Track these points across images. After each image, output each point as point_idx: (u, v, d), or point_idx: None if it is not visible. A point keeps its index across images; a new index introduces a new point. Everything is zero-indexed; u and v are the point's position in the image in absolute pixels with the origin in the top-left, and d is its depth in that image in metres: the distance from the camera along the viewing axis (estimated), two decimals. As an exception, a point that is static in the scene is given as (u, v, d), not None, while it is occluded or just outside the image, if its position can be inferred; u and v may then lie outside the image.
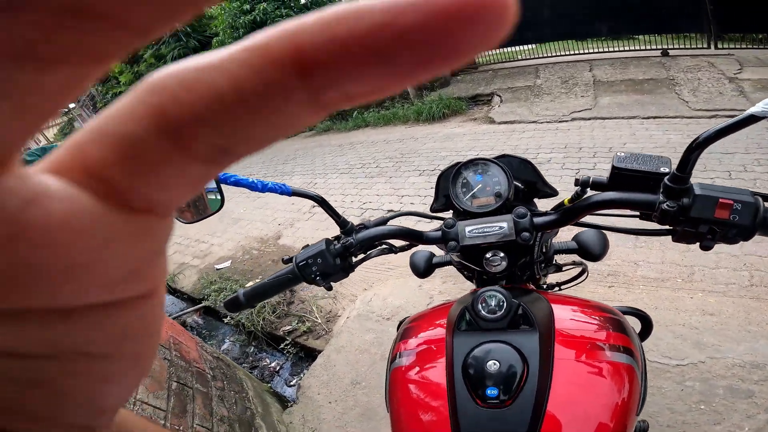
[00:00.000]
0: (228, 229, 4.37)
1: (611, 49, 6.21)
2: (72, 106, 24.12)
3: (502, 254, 0.59)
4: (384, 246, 0.69)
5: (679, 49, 5.76)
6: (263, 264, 3.39)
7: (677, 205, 0.46)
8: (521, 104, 5.26)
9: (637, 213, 0.53)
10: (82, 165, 0.09)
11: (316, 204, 0.75)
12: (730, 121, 0.43)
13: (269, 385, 2.25)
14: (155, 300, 0.12)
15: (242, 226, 4.45)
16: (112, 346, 0.11)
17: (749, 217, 0.43)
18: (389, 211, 3.70)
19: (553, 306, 0.59)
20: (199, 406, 1.37)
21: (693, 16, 5.51)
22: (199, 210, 0.66)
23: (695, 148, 0.45)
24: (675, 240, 0.50)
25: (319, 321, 2.47)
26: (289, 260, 0.68)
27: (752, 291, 1.87)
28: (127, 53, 0.08)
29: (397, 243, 0.70)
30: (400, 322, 0.85)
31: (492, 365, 0.48)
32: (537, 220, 0.57)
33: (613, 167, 0.52)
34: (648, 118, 4.19)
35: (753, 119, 0.42)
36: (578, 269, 0.86)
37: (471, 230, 0.58)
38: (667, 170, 0.49)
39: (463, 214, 0.66)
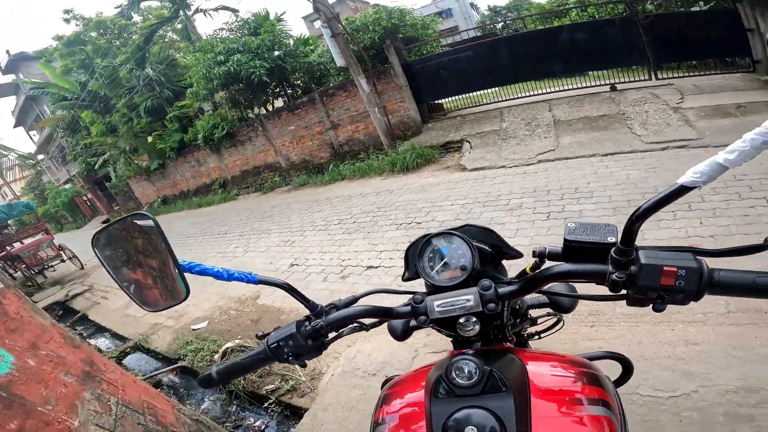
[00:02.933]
0: (204, 289, 4.38)
1: (566, 87, 6.93)
2: (41, 157, 23.62)
3: (474, 319, 0.62)
4: (355, 324, 0.72)
5: (625, 82, 6.49)
6: (242, 324, 3.45)
7: (625, 274, 0.51)
8: (490, 149, 5.69)
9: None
10: None
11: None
12: (663, 193, 0.48)
13: None
14: None
15: (219, 285, 4.43)
16: None
17: (694, 282, 0.47)
18: (368, 267, 3.86)
19: (529, 364, 0.63)
20: None
21: (633, 49, 6.30)
22: (164, 298, 0.68)
23: (635, 221, 0.50)
24: (629, 304, 0.54)
25: (303, 379, 2.52)
26: (263, 336, 0.72)
27: (730, 318, 2.01)
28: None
29: (368, 320, 0.74)
30: (384, 382, 0.89)
31: (470, 430, 0.51)
32: (501, 290, 0.62)
33: (565, 240, 0.57)
34: (606, 155, 4.63)
35: (684, 189, 0.47)
36: (554, 320, 0.94)
37: (439, 304, 0.63)
38: (613, 239, 0.54)
39: (432, 287, 0.72)
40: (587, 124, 5.52)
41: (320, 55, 9.17)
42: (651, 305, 0.51)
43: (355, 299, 0.75)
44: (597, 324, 2.17)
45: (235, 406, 2.66)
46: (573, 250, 0.57)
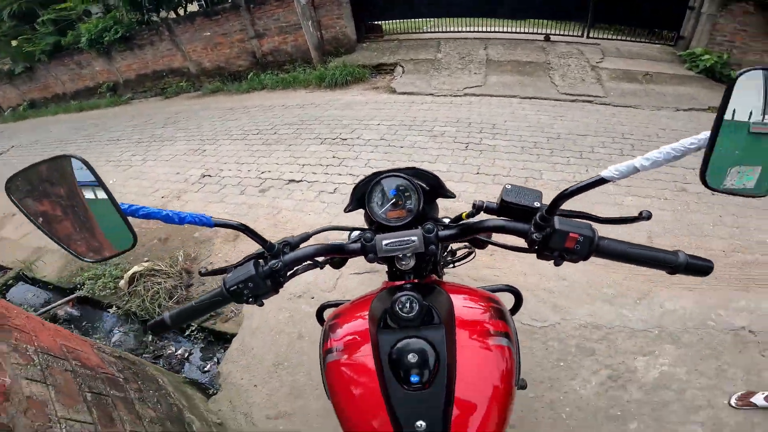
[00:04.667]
0: None
1: (505, 30, 7.15)
2: None
3: (410, 254, 0.72)
4: (309, 262, 0.77)
5: (560, 35, 6.93)
6: (147, 244, 3.21)
7: (542, 235, 0.64)
8: (422, 76, 5.76)
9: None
10: None
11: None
12: (586, 181, 0.59)
13: (183, 375, 2.21)
14: None
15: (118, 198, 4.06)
16: None
17: (587, 247, 0.63)
18: (290, 180, 3.83)
19: (452, 297, 0.75)
20: (123, 412, 1.33)
21: (577, 5, 6.63)
22: (107, 247, 0.65)
23: (560, 199, 0.62)
24: (538, 258, 0.69)
25: None
26: (208, 273, 0.75)
27: (591, 259, 2.54)
28: None
29: (321, 257, 0.79)
30: (319, 309, 0.98)
31: (411, 357, 0.62)
32: (441, 234, 0.72)
33: (502, 200, 0.69)
34: (525, 98, 5.06)
35: (603, 181, 0.58)
36: (466, 252, 1.11)
37: (387, 243, 0.71)
38: (538, 204, 0.67)
39: (378, 225, 0.80)
40: (515, 67, 5.88)
41: None
42: (553, 261, 0.67)
43: (308, 236, 0.79)
44: (495, 253, 2.51)
45: (150, 336, 2.51)
46: (506, 207, 0.69)
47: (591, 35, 6.90)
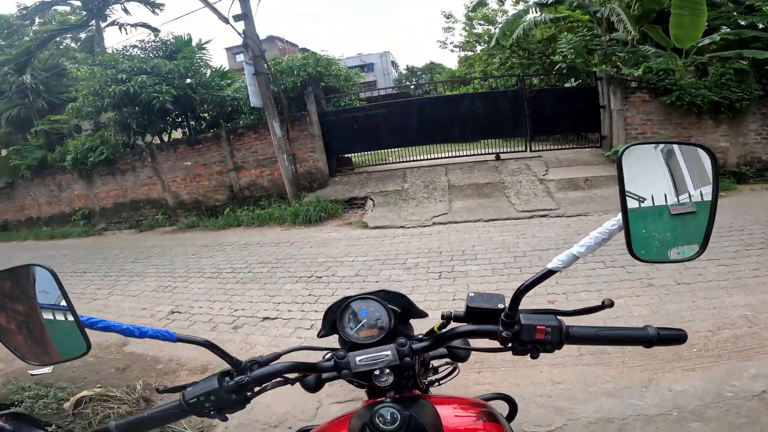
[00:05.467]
0: None
1: (461, 154, 8.14)
2: None
3: (388, 371, 0.72)
4: (279, 379, 0.76)
5: (507, 152, 7.93)
6: (103, 372, 3.00)
7: (511, 332, 0.68)
8: (391, 209, 6.24)
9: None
10: None
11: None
12: (537, 275, 0.67)
13: None
14: None
15: None
16: None
17: (557, 336, 0.67)
18: (265, 318, 3.77)
19: (438, 407, 0.72)
20: None
21: (517, 121, 7.74)
22: (57, 352, 0.65)
23: (519, 294, 0.68)
24: (514, 354, 0.71)
25: None
26: (167, 390, 0.72)
27: (582, 359, 2.50)
28: None
29: (292, 375, 0.78)
30: None
31: None
32: (415, 346, 0.74)
33: (467, 306, 0.74)
34: (489, 220, 5.52)
35: (550, 273, 0.66)
36: (450, 369, 1.13)
37: (361, 359, 0.72)
38: (502, 306, 0.72)
39: (351, 345, 0.81)
40: (475, 190, 6.53)
41: (236, 90, 9.02)
42: (529, 354, 0.70)
43: (277, 356, 0.79)
44: (483, 370, 2.51)
45: None
46: (473, 313, 0.74)
47: (533, 148, 7.94)
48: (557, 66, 8.78)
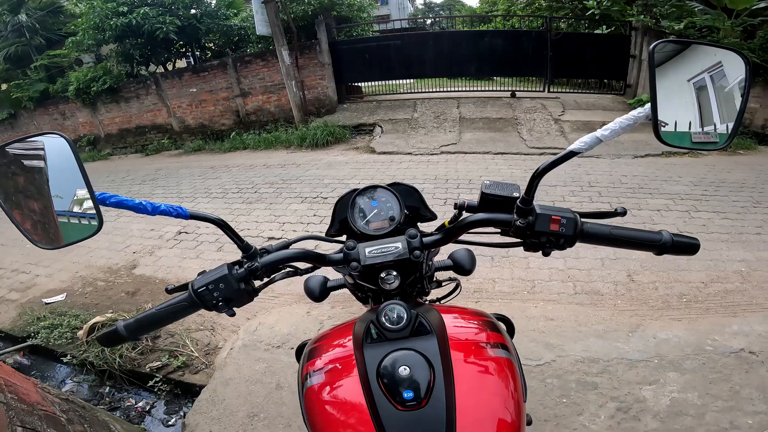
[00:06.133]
0: (60, 257, 3.85)
1: (475, 89, 7.82)
2: None
3: (395, 273, 0.70)
4: (288, 269, 0.74)
5: (524, 91, 7.61)
6: (114, 297, 3.13)
7: (526, 221, 0.65)
8: (400, 136, 6.14)
9: (500, 231, 0.72)
10: None
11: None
12: (557, 156, 0.62)
13: (141, 426, 2.08)
14: None
15: (80, 254, 3.92)
16: None
17: (572, 229, 0.64)
18: (270, 238, 3.90)
19: (442, 315, 0.72)
20: None
21: (538, 62, 7.40)
22: (69, 233, 0.62)
23: (536, 177, 0.64)
24: (526, 249, 0.69)
25: (196, 354, 2.40)
26: (176, 289, 0.70)
27: (576, 298, 2.58)
28: None
29: (301, 265, 0.76)
30: (299, 347, 0.93)
31: (403, 370, 0.56)
32: (426, 239, 0.71)
33: (482, 193, 0.70)
34: (498, 153, 5.42)
35: (572, 154, 0.63)
36: (453, 285, 1.13)
37: (370, 251, 0.69)
38: (517, 195, 0.68)
39: (360, 237, 0.78)
40: (487, 124, 6.34)
41: (243, 19, 8.63)
42: (542, 250, 0.67)
43: (287, 244, 0.77)
44: (480, 300, 2.59)
45: (108, 387, 2.38)
46: (487, 202, 0.70)
47: (551, 89, 7.61)
48: (589, 12, 8.12)
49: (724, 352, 2.04)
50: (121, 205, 0.60)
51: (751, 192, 4.01)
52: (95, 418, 1.66)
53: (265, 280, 0.72)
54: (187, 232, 4.24)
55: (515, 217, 0.67)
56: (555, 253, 0.70)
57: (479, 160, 5.27)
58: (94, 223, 0.61)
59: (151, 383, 2.32)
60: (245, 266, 0.67)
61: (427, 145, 5.77)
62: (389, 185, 0.84)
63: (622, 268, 2.85)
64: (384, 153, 5.64)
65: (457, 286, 1.12)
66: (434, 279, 1.04)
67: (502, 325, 0.79)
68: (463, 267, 0.96)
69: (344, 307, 2.64)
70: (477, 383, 0.62)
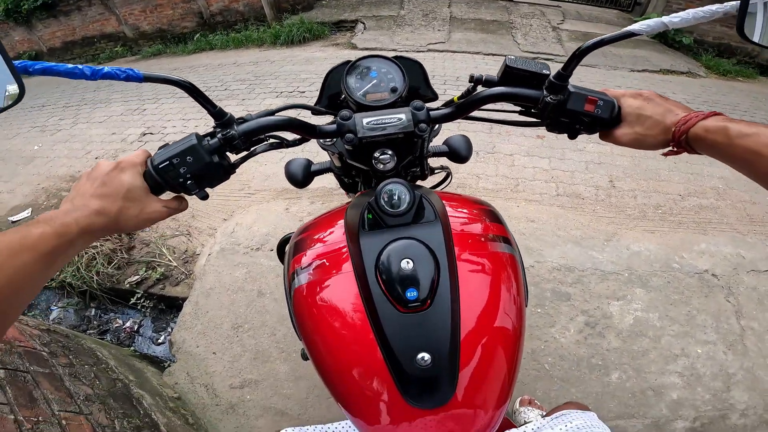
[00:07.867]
0: (18, 170, 3.66)
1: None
2: None
3: (390, 152, 0.64)
4: (273, 140, 0.64)
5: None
6: None
7: (557, 99, 0.58)
8: (384, 33, 5.72)
9: (517, 109, 0.65)
10: None
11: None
12: (612, 35, 0.55)
13: (132, 348, 2.03)
14: None
15: (39, 165, 3.72)
16: None
17: (608, 111, 0.58)
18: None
19: (443, 200, 0.64)
20: (48, 389, 1.21)
21: None
22: None
23: (579, 55, 0.56)
24: (549, 129, 0.63)
25: (174, 264, 2.29)
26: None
27: (558, 200, 2.58)
28: None
29: (287, 136, 0.66)
30: (280, 243, 0.85)
31: (406, 264, 0.49)
32: (433, 112, 0.63)
33: (506, 66, 0.60)
34: (489, 54, 5.15)
35: (631, 34, 0.55)
36: (443, 174, 1.04)
37: (369, 122, 0.60)
38: (548, 72, 0.60)
39: (355, 111, 0.66)
40: (479, 25, 5.97)
41: None
42: (568, 131, 0.62)
43: (270, 112, 0.64)
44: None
45: (93, 310, 2.28)
46: (510, 77, 0.61)
47: None
48: None
49: (689, 272, 2.10)
50: (48, 71, 0.49)
51: (742, 115, 4.01)
52: (80, 347, 1.61)
53: (244, 153, 0.61)
54: (152, 133, 4.01)
55: (545, 93, 0.59)
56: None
57: (468, 59, 5.02)
58: (16, 88, 0.53)
59: (133, 300, 2.21)
60: (220, 134, 0.56)
61: (413, 42, 5.41)
62: (393, 57, 0.74)
63: (605, 173, 2.86)
64: (366, 49, 5.28)
65: (448, 175, 1.04)
66: (428, 165, 0.95)
67: (501, 214, 0.72)
68: (459, 154, 0.89)
69: (324, 202, 2.57)
70: (478, 281, 0.55)
